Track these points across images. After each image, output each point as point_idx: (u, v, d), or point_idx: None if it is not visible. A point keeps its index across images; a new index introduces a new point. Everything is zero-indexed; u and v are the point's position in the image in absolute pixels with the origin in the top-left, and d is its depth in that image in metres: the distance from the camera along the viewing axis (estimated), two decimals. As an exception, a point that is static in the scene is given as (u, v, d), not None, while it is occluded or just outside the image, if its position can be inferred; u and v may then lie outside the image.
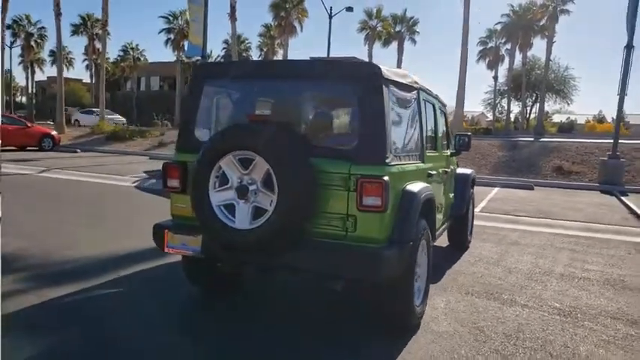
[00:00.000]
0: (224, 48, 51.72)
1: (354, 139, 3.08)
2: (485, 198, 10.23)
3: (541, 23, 35.21)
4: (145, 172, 13.20)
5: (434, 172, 4.11)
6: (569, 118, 53.98)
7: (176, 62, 46.52)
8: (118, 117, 36.72)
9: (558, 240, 6.77)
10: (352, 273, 2.99)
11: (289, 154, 2.92)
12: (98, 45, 43.14)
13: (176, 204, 3.52)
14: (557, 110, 51.82)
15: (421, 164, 3.77)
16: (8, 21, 40.42)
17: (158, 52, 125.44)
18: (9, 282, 4.08)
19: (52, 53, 49.34)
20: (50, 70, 60.03)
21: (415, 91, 3.73)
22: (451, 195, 5.39)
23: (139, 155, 19.18)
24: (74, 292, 4.04)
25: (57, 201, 8.52)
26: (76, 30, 45.27)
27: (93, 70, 48.86)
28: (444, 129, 5.02)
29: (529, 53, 38.54)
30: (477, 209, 7.88)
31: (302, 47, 61.74)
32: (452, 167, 5.31)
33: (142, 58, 52.15)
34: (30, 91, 54.68)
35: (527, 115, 46.38)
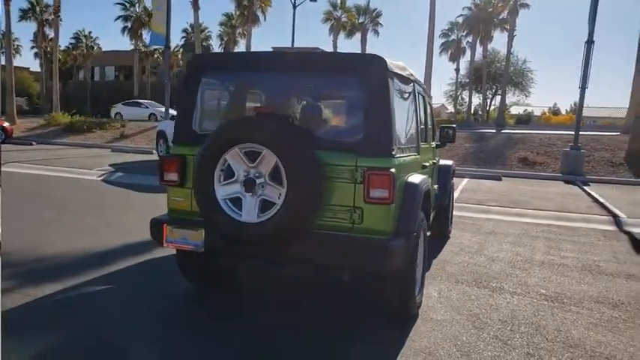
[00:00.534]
0: (183, 37, 50.54)
1: (359, 131, 3.08)
2: (456, 188, 10.46)
3: (501, 16, 36.14)
4: (111, 165, 12.82)
5: (427, 164, 4.18)
6: (526, 110, 55.78)
7: (133, 51, 45.16)
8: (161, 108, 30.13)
9: (532, 229, 7.02)
10: (361, 265, 3.02)
11: (298, 147, 2.91)
12: (48, 31, 41.33)
13: (174, 198, 3.44)
14: (514, 102, 53.47)
15: (417, 156, 3.82)
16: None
17: (114, 40, 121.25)
18: (-10, 281, 3.89)
19: (-4, 40, 46.91)
20: (-6, 58, 56.97)
21: (412, 84, 3.77)
22: (435, 186, 5.49)
23: (100, 148, 18.54)
24: (60, 290, 3.90)
25: (23, 197, 8.15)
26: (24, 15, 42.96)
27: (42, 58, 46.63)
28: (431, 121, 5.10)
29: (489, 46, 39.56)
30: (452, 199, 8.06)
31: (265, 37, 61.07)
32: (437, 159, 5.41)
33: (95, 47, 50.21)
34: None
35: (488, 107, 47.64)
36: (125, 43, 53.36)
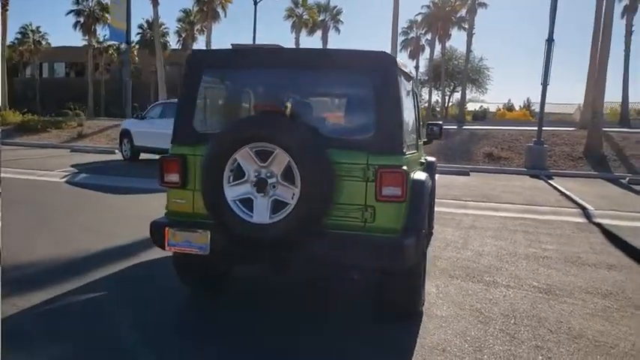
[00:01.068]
0: (139, 33, 49.04)
1: (370, 128, 3.05)
2: (429, 184, 10.63)
3: (459, 15, 36.99)
4: (73, 165, 12.29)
5: (423, 161, 4.20)
6: (481, 106, 57.32)
7: (86, 47, 43.47)
8: None
9: (509, 223, 7.20)
10: (375, 263, 3.00)
11: (311, 146, 2.85)
12: (-8, 27, 39.20)
13: (175, 200, 3.30)
14: (470, 99, 54.86)
15: (417, 153, 3.83)
16: None
17: (64, 36, 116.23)
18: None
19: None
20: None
21: (411, 80, 3.77)
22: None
23: (57, 148, 17.76)
24: (49, 299, 3.69)
25: (-16, 200, 7.68)
26: (-37, 10, 40.58)
27: (-15, 54, 44.13)
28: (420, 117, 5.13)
29: (448, 44, 40.41)
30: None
31: (226, 33, 59.88)
32: (424, 155, 5.45)
33: (44, 42, 48.00)
34: None
35: (447, 104, 48.71)
36: (77, 39, 51.39)
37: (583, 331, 3.40)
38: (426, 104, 42.66)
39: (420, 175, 3.40)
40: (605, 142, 14.44)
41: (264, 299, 3.92)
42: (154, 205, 7.76)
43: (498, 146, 15.17)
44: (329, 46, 37.88)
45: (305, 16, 38.42)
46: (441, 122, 5.80)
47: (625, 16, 25.81)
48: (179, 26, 45.20)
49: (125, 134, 13.62)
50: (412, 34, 43.18)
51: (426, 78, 45.19)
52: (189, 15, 42.35)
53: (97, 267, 4.45)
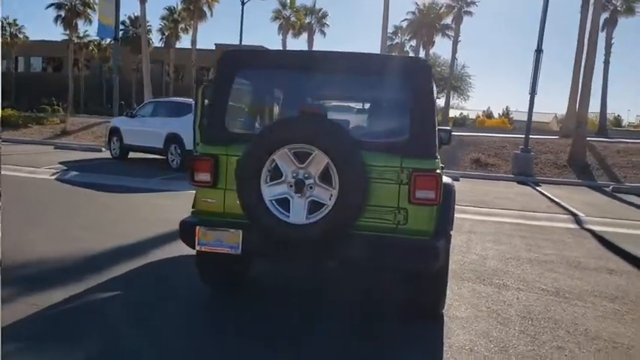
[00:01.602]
0: (121, 29, 48.24)
1: (404, 132, 3.11)
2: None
3: (443, 22, 37.51)
4: (61, 163, 12.06)
5: (442, 165, 4.28)
6: (462, 113, 58.23)
7: (66, 42, 42.63)
8: None
9: (506, 228, 7.36)
10: (408, 265, 3.05)
11: (350, 148, 2.89)
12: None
13: (205, 199, 3.30)
14: (451, 106, 55.62)
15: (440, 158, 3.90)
16: None
17: (43, 30, 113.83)
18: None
19: None
20: None
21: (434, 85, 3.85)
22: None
23: (41, 145, 17.40)
24: (66, 298, 3.64)
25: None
26: (-59, 0, 39.43)
27: (-42, 47, 42.92)
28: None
29: (431, 51, 40.89)
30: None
31: (211, 33, 59.43)
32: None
33: (20, 35, 46.85)
34: None
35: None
36: (54, 33, 50.22)
37: (599, 333, 3.51)
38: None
39: (446, 178, 3.47)
40: (588, 151, 14.85)
41: (288, 298, 3.94)
42: (151, 205, 7.79)
43: (485, 153, 15.44)
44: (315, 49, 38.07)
45: (292, 19, 38.43)
46: (449, 128, 5.89)
47: (605, 29, 26.57)
48: (162, 24, 44.65)
49: (114, 132, 13.43)
50: (397, 40, 43.59)
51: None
52: (173, 13, 41.92)
53: (107, 266, 4.40)
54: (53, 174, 10.44)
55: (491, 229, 7.16)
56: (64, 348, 2.94)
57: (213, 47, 39.55)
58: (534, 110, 13.98)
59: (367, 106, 3.64)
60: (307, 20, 40.00)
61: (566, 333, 3.49)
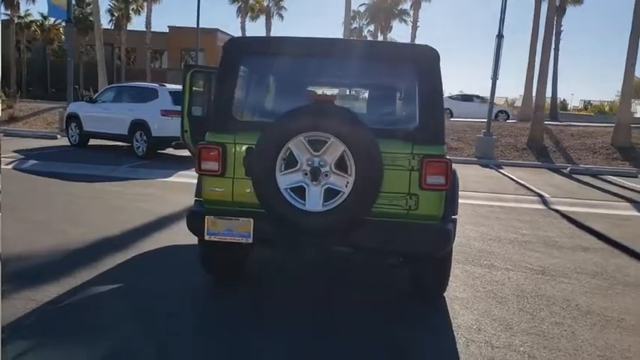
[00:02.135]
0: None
1: (414, 119, 3.15)
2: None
3: (400, 7, 37.82)
4: (16, 151, 11.46)
5: None
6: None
7: (7, 22, 40.13)
8: None
9: (480, 210, 7.60)
10: (420, 249, 3.12)
11: (365, 135, 2.90)
12: None
13: (212, 188, 3.24)
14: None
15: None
16: None
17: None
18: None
19: None
20: None
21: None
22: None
23: (-14, 131, 16.43)
24: (63, 293, 3.51)
25: None
26: None
27: None
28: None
29: (389, 36, 41.21)
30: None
31: (166, 14, 57.34)
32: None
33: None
34: None
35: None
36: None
37: (590, 308, 3.73)
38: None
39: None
40: (545, 134, 15.47)
41: (296, 283, 3.95)
42: (124, 194, 7.56)
43: (448, 136, 15.79)
44: (272, 33, 37.57)
45: (251, 1, 37.64)
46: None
47: (555, 17, 27.52)
48: (111, 4, 42.76)
49: (72, 118, 12.82)
50: (355, 25, 43.60)
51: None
52: (124, -7, 40.20)
53: (97, 259, 4.28)
54: (9, 163, 9.91)
55: (469, 211, 7.37)
56: (71, 342, 2.85)
57: (167, 30, 38.33)
58: (484, 95, 14.29)
59: (376, 93, 3.66)
60: (265, 3, 39.31)
61: (561, 309, 3.68)
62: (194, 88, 4.60)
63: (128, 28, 40.77)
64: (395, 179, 3.08)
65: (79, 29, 38.52)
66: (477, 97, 24.65)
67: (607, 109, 36.22)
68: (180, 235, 5.19)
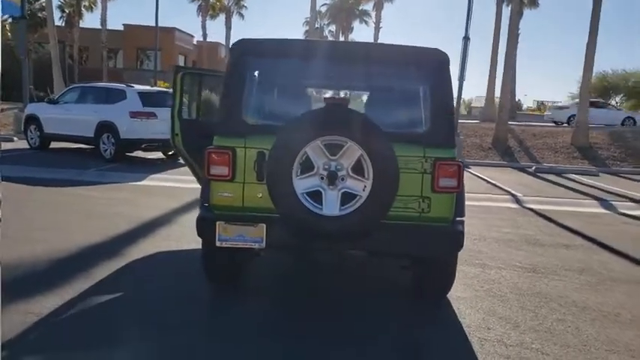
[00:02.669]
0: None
1: (425, 122, 3.18)
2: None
3: (361, 7, 38.18)
4: (-23, 155, 10.85)
5: None
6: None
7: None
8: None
9: (459, 208, 7.75)
10: (434, 251, 3.15)
11: (382, 139, 2.90)
12: None
13: (221, 193, 3.15)
14: (368, 91, 57.03)
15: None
16: None
17: None
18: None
19: None
20: None
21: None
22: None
23: None
24: (62, 304, 3.34)
25: None
26: None
27: None
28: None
29: (351, 36, 41.50)
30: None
31: (122, 12, 55.49)
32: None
33: None
34: None
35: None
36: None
37: (586, 303, 3.86)
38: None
39: (458, 167, 3.60)
40: (509, 134, 15.99)
41: (306, 286, 3.91)
42: (97, 198, 7.29)
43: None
44: (232, 32, 37.17)
45: (211, 0, 37.06)
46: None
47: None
48: (63, 1, 41.11)
49: (31, 120, 12.23)
50: (316, 25, 43.69)
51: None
52: (76, -11, 38.69)
53: (87, 268, 4.10)
54: (-29, 167, 9.36)
55: (447, 211, 7.51)
56: (81, 357, 2.72)
57: (122, 28, 37.21)
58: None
59: (387, 96, 3.66)
60: (226, 2, 38.79)
61: (559, 306, 3.80)
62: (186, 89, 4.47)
63: (80, 26, 39.34)
64: (407, 182, 3.09)
65: (29, 26, 36.82)
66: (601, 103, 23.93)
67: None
68: (168, 241, 5.07)
